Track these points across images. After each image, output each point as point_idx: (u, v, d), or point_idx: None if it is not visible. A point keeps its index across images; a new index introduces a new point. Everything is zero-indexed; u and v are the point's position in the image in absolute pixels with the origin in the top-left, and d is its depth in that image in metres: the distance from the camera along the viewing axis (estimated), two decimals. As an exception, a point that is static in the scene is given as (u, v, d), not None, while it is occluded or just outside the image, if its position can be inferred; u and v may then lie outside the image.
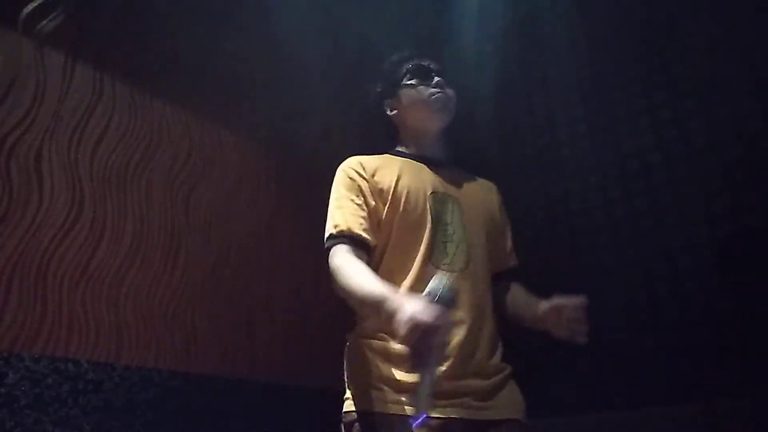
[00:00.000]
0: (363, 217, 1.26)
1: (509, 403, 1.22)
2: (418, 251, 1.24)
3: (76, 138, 1.94)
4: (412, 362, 0.98)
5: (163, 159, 2.18)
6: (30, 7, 1.91)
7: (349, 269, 1.18)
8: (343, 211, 1.27)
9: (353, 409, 1.17)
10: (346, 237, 1.23)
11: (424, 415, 0.98)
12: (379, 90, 1.49)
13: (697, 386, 2.08)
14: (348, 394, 1.21)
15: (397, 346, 1.15)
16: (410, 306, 0.94)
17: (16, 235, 1.71)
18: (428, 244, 1.24)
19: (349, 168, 1.34)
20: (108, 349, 1.83)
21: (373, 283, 1.12)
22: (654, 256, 2.39)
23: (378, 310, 1.06)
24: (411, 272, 1.23)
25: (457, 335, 1.17)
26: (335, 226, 1.26)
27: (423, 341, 0.92)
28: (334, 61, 2.99)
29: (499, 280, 1.42)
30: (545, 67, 3.03)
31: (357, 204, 1.28)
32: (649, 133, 2.55)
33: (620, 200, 2.57)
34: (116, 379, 1.81)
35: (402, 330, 0.92)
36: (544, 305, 1.25)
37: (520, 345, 2.66)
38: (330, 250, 1.25)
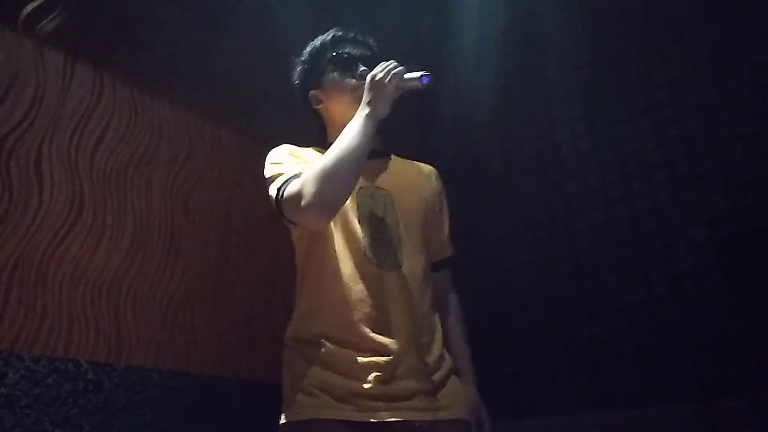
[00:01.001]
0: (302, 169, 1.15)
1: (454, 401, 1.16)
2: (350, 249, 1.16)
3: (76, 138, 1.94)
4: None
5: (163, 159, 2.18)
6: (30, 7, 1.91)
7: (323, 157, 1.09)
8: (288, 167, 1.17)
9: (293, 419, 1.08)
10: (297, 175, 1.12)
11: (422, 76, 1.16)
12: (302, 80, 1.38)
13: (697, 386, 2.08)
14: (286, 403, 1.12)
15: (337, 350, 1.10)
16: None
17: (16, 235, 1.71)
18: (358, 243, 1.16)
19: (282, 148, 1.28)
20: (108, 349, 1.83)
21: (344, 130, 1.13)
22: (654, 256, 2.39)
23: (363, 116, 1.13)
24: (345, 271, 1.14)
25: (396, 337, 1.11)
26: (282, 177, 1.14)
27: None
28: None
29: (435, 271, 1.33)
30: (545, 67, 3.03)
31: (301, 165, 1.19)
32: (649, 133, 2.55)
33: (620, 200, 2.56)
34: (116, 379, 1.81)
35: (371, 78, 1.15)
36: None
37: (520, 345, 2.68)
38: (283, 198, 1.11)
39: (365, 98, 1.16)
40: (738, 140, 2.28)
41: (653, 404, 2.14)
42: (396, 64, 1.18)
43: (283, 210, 1.13)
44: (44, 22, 1.94)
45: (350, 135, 1.11)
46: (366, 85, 1.17)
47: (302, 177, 1.09)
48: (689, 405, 2.02)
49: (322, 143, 1.32)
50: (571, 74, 2.90)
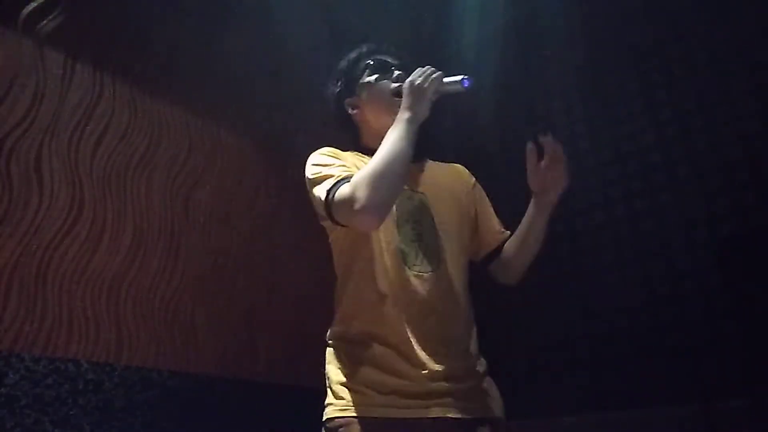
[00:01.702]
0: (351, 173, 1.18)
1: (491, 400, 1.21)
2: (387, 254, 1.20)
3: (76, 138, 1.94)
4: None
5: (163, 159, 2.18)
6: (30, 7, 1.91)
7: (371, 162, 1.11)
8: (335, 169, 1.20)
9: (338, 415, 1.12)
10: (347, 178, 1.14)
11: (463, 79, 1.19)
12: (338, 89, 1.42)
13: (697, 386, 2.08)
14: (331, 398, 1.17)
15: (379, 349, 1.15)
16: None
17: (16, 236, 1.71)
18: (397, 246, 1.20)
19: (325, 151, 1.30)
20: (108, 349, 1.83)
21: (388, 134, 1.16)
22: (654, 256, 2.39)
23: (404, 120, 1.16)
24: (383, 276, 1.18)
25: (434, 337, 1.16)
26: (330, 180, 1.16)
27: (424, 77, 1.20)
28: (334, 61, 2.98)
29: (493, 259, 1.41)
30: (545, 67, 3.03)
31: (346, 166, 1.23)
32: (649, 133, 2.55)
33: (620, 200, 2.56)
34: (116, 379, 1.81)
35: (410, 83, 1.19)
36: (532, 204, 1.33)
37: (520, 345, 2.68)
38: (333, 203, 1.13)
39: (405, 103, 1.19)
40: (738, 140, 2.28)
41: (653, 404, 2.14)
42: (433, 69, 1.21)
43: (332, 212, 1.14)
44: (44, 22, 1.94)
45: (395, 139, 1.14)
46: (405, 90, 1.20)
47: (354, 181, 1.11)
48: (689, 405, 2.02)
49: (358, 148, 1.37)
50: (571, 74, 2.90)
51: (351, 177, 1.13)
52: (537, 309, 2.63)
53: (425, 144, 1.39)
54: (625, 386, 2.29)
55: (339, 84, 1.42)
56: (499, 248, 1.41)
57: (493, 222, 1.44)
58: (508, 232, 1.43)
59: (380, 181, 1.08)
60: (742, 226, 2.20)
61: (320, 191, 1.17)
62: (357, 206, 1.07)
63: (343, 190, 1.11)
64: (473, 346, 1.25)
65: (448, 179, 1.41)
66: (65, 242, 1.82)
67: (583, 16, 2.92)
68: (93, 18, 2.09)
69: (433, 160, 1.45)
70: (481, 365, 1.25)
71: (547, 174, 1.33)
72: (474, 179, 1.48)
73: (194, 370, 2.03)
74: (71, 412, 1.67)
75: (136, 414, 1.81)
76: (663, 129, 2.51)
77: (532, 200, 1.36)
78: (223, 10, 2.60)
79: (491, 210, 1.47)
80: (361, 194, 1.07)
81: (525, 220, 1.36)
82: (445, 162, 1.49)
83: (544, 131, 1.31)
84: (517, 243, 1.37)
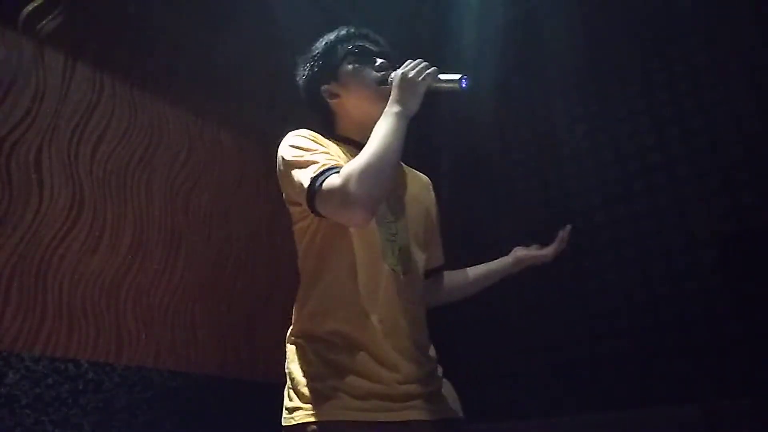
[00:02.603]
0: (337, 162, 1.11)
1: (452, 401, 1.24)
2: (365, 249, 1.15)
3: (76, 138, 1.94)
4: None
5: (163, 159, 2.18)
6: (30, 7, 1.91)
7: (364, 155, 1.05)
8: (318, 155, 1.12)
9: (308, 420, 1.04)
10: (334, 168, 1.07)
11: (462, 78, 1.14)
12: (313, 74, 1.32)
13: (697, 386, 2.08)
14: (297, 402, 1.08)
15: (352, 350, 1.10)
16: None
17: (16, 236, 1.71)
18: (376, 242, 1.16)
19: (305, 133, 1.22)
20: (108, 349, 1.83)
21: (377, 127, 1.11)
22: (654, 256, 2.39)
23: (394, 113, 1.11)
24: (360, 272, 1.13)
25: (404, 338, 1.14)
26: (315, 167, 1.09)
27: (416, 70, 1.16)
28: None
29: (428, 277, 1.35)
30: (545, 67, 3.03)
31: (329, 154, 1.15)
32: (649, 133, 2.55)
33: (620, 200, 2.56)
34: (116, 379, 1.81)
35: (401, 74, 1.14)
36: (518, 252, 1.32)
37: (520, 345, 2.68)
38: (319, 192, 1.05)
39: (394, 95, 1.14)
40: (738, 140, 2.28)
41: (653, 404, 2.14)
42: (427, 63, 1.16)
43: (315, 202, 1.07)
44: (44, 22, 1.94)
45: (386, 133, 1.09)
46: (395, 82, 1.15)
47: (346, 173, 1.04)
48: (689, 405, 2.02)
49: (332, 135, 1.29)
50: (571, 74, 2.90)
51: (339, 168, 1.07)
52: (537, 309, 2.63)
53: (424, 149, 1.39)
54: (624, 386, 2.28)
55: (314, 68, 1.32)
56: (431, 272, 1.38)
57: (437, 244, 1.41)
58: (442, 262, 1.42)
59: (375, 176, 1.03)
60: (742, 226, 2.20)
61: (302, 177, 1.09)
62: (349, 200, 1.02)
63: (333, 181, 1.04)
64: (432, 348, 1.24)
65: (418, 186, 1.37)
66: (65, 242, 1.82)
67: (583, 15, 2.92)
68: (93, 18, 2.09)
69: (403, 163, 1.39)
70: (438, 368, 1.24)
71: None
72: (434, 195, 1.43)
73: (194, 370, 2.03)
74: (71, 412, 1.67)
75: (136, 414, 1.81)
76: (663, 129, 2.51)
77: (511, 259, 1.34)
78: (223, 10, 2.60)
79: (438, 232, 1.41)
80: (354, 188, 1.01)
81: (491, 267, 1.36)
82: (410, 167, 1.42)
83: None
84: (474, 279, 1.38)
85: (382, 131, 1.09)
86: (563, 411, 2.35)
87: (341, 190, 1.03)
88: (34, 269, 1.73)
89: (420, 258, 1.25)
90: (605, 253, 2.55)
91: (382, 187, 1.06)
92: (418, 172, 1.43)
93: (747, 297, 2.07)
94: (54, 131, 1.88)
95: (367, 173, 1.03)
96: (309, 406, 1.06)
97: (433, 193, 1.42)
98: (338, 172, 1.06)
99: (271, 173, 2.54)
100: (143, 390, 1.86)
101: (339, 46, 1.31)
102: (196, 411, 1.97)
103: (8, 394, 1.56)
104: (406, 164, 1.39)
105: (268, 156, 2.56)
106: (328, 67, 1.30)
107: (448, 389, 1.25)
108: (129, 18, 2.22)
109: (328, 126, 1.34)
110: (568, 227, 1.30)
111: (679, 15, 2.57)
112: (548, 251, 1.46)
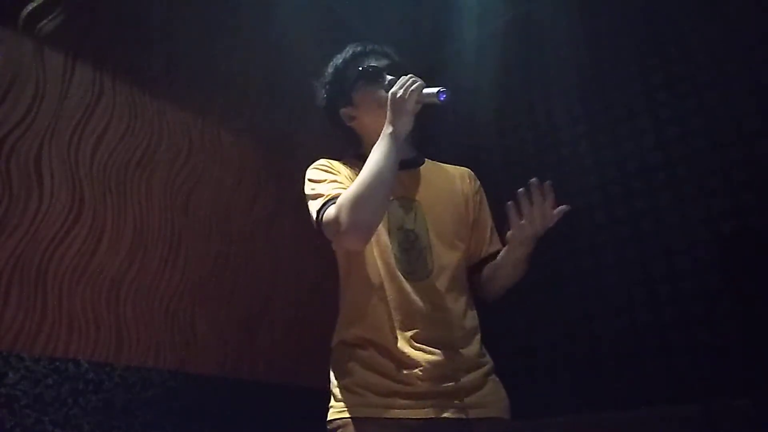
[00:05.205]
0: (342, 190, 1.20)
1: (491, 400, 1.21)
2: (381, 261, 1.23)
3: (76, 138, 1.94)
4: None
5: (163, 159, 2.18)
6: (30, 7, 1.91)
7: (355, 183, 1.14)
8: (326, 186, 1.24)
9: (337, 417, 1.16)
10: (334, 199, 1.19)
11: (439, 91, 1.18)
12: (330, 100, 1.40)
13: (697, 386, 2.08)
14: (332, 401, 1.22)
15: (374, 353, 1.18)
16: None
17: (16, 235, 1.71)
18: (390, 254, 1.23)
19: (320, 165, 1.33)
20: (108, 349, 1.83)
21: (372, 151, 1.18)
22: (654, 256, 2.39)
23: (386, 135, 1.18)
24: (377, 284, 1.22)
25: (427, 340, 1.18)
26: (320, 200, 1.21)
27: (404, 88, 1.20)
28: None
29: (482, 268, 1.36)
30: (545, 67, 3.03)
31: (337, 182, 1.26)
32: (649, 133, 2.55)
33: (620, 200, 2.56)
34: (116, 379, 1.81)
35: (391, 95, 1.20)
36: (508, 235, 1.26)
37: (520, 345, 2.68)
38: (322, 221, 1.18)
39: (387, 116, 1.21)
40: (738, 140, 2.28)
41: (653, 404, 2.14)
42: (414, 79, 1.22)
43: (322, 231, 1.20)
44: (44, 22, 1.94)
45: (378, 159, 1.16)
46: (388, 103, 1.22)
47: (338, 203, 1.14)
48: (689, 405, 2.02)
49: (359, 156, 1.35)
50: (571, 74, 2.90)
51: (338, 197, 1.16)
52: (537, 309, 2.63)
53: (420, 149, 1.41)
54: (624, 386, 2.29)
55: (329, 93, 1.40)
56: (485, 260, 1.37)
57: (484, 233, 1.40)
58: (500, 245, 1.35)
59: (362, 204, 1.12)
60: (742, 226, 2.20)
61: (312, 209, 1.23)
62: (341, 229, 1.12)
63: (330, 213, 1.16)
64: (473, 346, 1.24)
65: (446, 184, 1.40)
66: (65, 242, 1.82)
67: (583, 15, 2.92)
68: (93, 18, 2.09)
69: (438, 161, 1.45)
70: (484, 364, 1.25)
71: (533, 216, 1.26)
72: (479, 184, 1.46)
73: (194, 370, 2.03)
74: (71, 412, 1.67)
75: (136, 414, 1.81)
76: (663, 129, 2.51)
77: (512, 234, 1.26)
78: (223, 10, 2.60)
79: (488, 220, 1.42)
80: (344, 219, 1.12)
81: (505, 255, 1.31)
82: (451, 164, 1.47)
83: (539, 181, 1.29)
84: (495, 267, 1.33)
85: (374, 157, 1.17)
86: (563, 411, 2.35)
87: (335, 221, 1.14)
88: (34, 269, 1.73)
89: (449, 257, 1.28)
90: (605, 253, 2.55)
91: (370, 214, 1.14)
92: (449, 166, 1.47)
93: (747, 297, 2.07)
94: (54, 131, 1.88)
95: (355, 202, 1.12)
96: (340, 404, 1.17)
97: (472, 183, 1.44)
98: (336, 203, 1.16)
99: (271, 173, 2.55)
100: (143, 390, 1.86)
101: (348, 70, 1.38)
102: (196, 411, 1.96)
103: (8, 394, 1.56)
104: (430, 159, 1.43)
105: (268, 156, 2.58)
106: (341, 91, 1.38)
107: (492, 388, 1.24)
108: (129, 18, 2.22)
109: (354, 145, 1.42)
110: (565, 207, 1.30)
111: (679, 15, 2.57)
112: (534, 216, 1.33)
